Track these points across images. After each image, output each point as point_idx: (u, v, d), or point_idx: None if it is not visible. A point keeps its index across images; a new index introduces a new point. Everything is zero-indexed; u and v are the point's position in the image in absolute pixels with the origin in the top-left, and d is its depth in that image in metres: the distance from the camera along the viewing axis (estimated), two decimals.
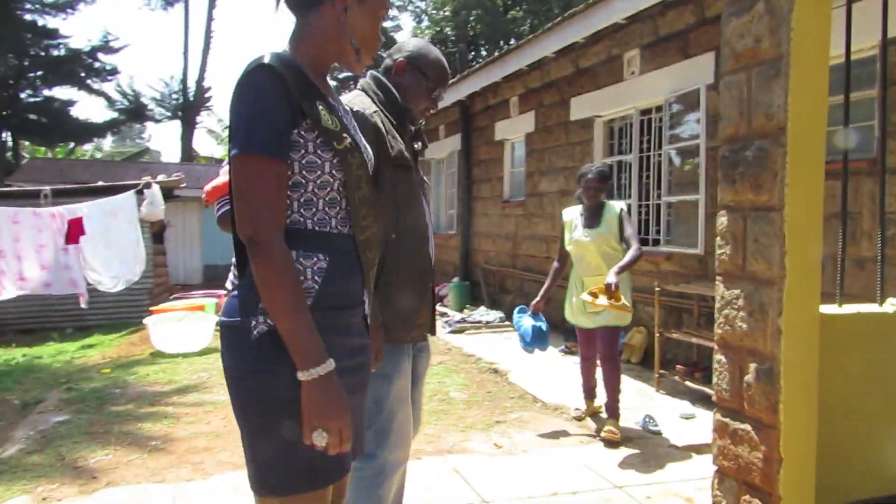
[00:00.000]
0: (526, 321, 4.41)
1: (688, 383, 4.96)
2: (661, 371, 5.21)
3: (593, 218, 4.28)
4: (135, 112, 28.38)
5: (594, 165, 4.35)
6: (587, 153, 7.31)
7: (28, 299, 8.24)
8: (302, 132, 1.38)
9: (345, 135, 1.45)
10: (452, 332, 8.03)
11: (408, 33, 28.65)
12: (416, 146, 2.35)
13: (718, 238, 2.43)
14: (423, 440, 3.98)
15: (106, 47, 26.35)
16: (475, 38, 25.49)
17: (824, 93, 2.08)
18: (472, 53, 24.74)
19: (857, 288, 4.00)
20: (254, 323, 1.35)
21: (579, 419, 4.54)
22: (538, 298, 4.44)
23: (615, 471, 3.59)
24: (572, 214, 4.44)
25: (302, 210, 1.42)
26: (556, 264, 4.57)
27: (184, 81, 28.18)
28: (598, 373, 4.43)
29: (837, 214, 4.17)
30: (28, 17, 24.60)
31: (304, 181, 1.40)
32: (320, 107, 1.41)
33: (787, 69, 2.04)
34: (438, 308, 10.06)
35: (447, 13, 26.26)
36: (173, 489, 3.35)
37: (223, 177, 2.75)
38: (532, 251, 8.65)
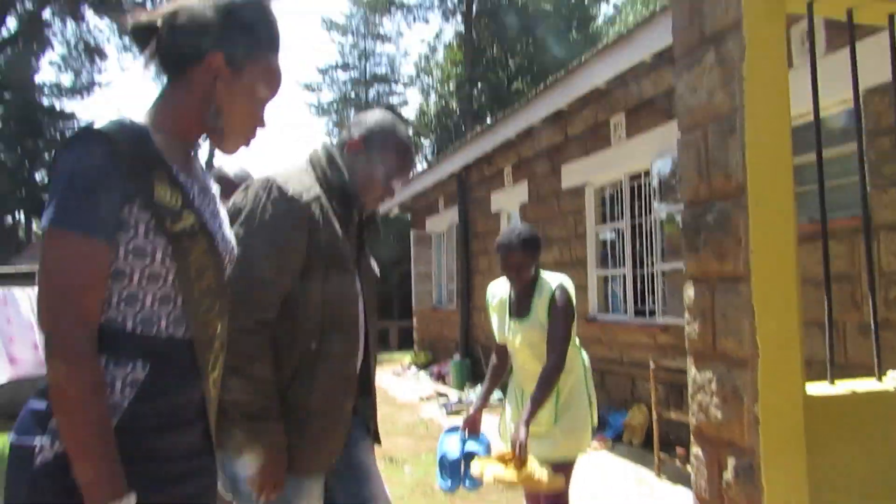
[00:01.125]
0: (451, 443, 2.99)
1: (690, 468, 4.58)
2: (662, 455, 4.84)
3: (523, 302, 3.00)
4: None
5: (516, 229, 2.95)
6: (580, 222, 7.12)
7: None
8: (134, 210, 1.16)
9: (185, 214, 1.22)
10: (449, 414, 7.67)
11: (414, 109, 29.19)
12: (364, 234, 2.07)
13: (687, 314, 2.17)
14: None
15: None
16: (480, 111, 25.83)
17: (786, 147, 1.86)
18: (478, 127, 25.08)
19: (864, 356, 3.69)
20: (38, 446, 1.10)
21: None
22: (472, 411, 3.04)
23: None
24: (499, 292, 3.15)
25: (122, 306, 1.17)
26: (493, 360, 3.23)
27: None
28: None
29: (839, 276, 3.92)
30: (45, 101, 25.34)
31: (128, 270, 1.17)
32: (158, 180, 1.19)
33: (743, 123, 1.83)
34: (439, 387, 9.72)
35: (451, 87, 26.74)
36: None
37: None
38: None
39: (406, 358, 13.46)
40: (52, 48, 21.60)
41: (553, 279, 2.96)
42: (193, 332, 1.23)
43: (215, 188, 1.43)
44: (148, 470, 1.16)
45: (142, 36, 1.31)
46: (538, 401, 2.74)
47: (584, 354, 3.11)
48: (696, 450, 2.09)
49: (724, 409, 1.91)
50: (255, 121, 1.37)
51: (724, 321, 1.90)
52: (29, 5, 19.77)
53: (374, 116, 2.03)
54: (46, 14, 19.61)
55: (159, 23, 1.30)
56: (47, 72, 22.49)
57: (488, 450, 2.95)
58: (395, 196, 2.13)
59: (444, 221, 12.23)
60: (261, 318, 1.71)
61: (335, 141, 2.05)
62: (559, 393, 2.93)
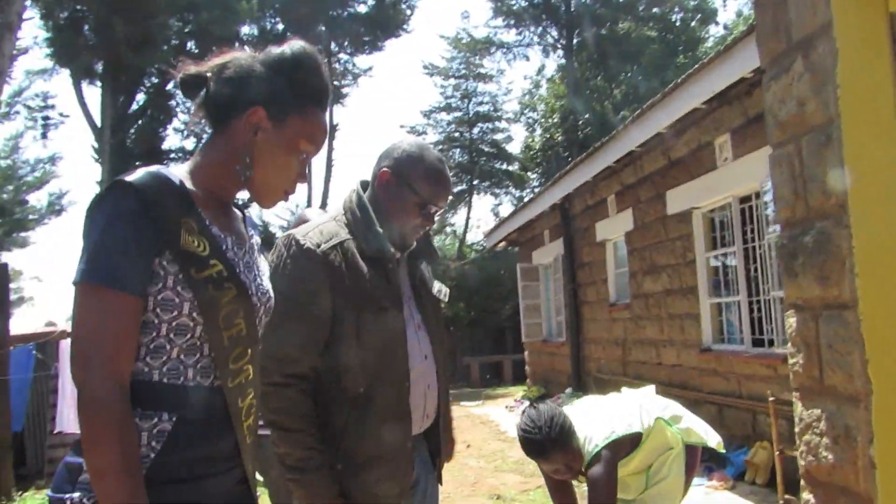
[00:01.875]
0: None
1: None
2: (787, 497, 4.45)
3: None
4: (264, 241, 30.13)
5: (538, 432, 2.48)
6: (688, 248, 6.81)
7: None
8: (164, 262, 1.16)
9: (213, 262, 1.21)
10: None
11: (520, 144, 29.18)
12: (419, 263, 2.03)
13: (789, 344, 1.99)
14: None
15: None
16: (585, 141, 25.42)
17: (894, 158, 1.67)
18: (579, 156, 24.72)
19: None
20: (70, 500, 1.10)
21: None
22: None
23: None
24: None
25: (148, 358, 1.17)
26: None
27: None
28: None
29: None
30: (171, 165, 27.29)
31: (156, 321, 1.17)
32: (185, 227, 1.19)
33: (840, 134, 1.66)
34: None
35: (556, 120, 26.57)
36: None
37: None
38: (642, 357, 8.02)
39: (519, 392, 13.26)
40: (176, 116, 23.38)
41: (592, 438, 2.56)
42: (222, 380, 1.22)
43: (255, 240, 1.43)
44: None
45: (191, 87, 1.34)
46: None
47: (673, 427, 2.89)
48: (806, 495, 1.89)
49: (834, 450, 1.72)
50: (295, 175, 1.35)
51: (831, 353, 1.72)
52: (155, 80, 21.61)
53: (402, 144, 1.97)
54: (170, 86, 21.41)
55: (209, 74, 1.32)
56: (172, 138, 23.99)
57: None
58: (435, 223, 2.03)
59: (549, 253, 12.06)
60: (290, 372, 1.72)
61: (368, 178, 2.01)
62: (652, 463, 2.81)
